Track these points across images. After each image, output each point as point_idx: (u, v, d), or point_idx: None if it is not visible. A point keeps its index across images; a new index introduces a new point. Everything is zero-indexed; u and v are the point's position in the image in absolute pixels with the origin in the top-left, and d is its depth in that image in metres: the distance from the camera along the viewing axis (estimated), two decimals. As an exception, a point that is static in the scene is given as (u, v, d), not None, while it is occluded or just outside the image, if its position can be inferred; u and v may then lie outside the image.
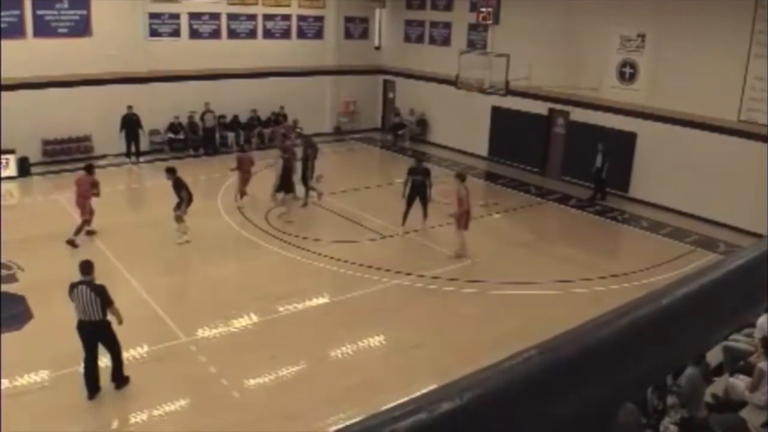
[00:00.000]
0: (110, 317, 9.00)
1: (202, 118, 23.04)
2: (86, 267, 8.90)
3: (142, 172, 21.05)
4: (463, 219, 14.22)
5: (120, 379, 9.26)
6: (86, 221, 14.65)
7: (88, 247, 14.13)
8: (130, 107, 20.72)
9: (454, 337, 11.15)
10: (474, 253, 14.52)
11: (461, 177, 14.43)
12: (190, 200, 14.71)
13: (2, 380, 9.12)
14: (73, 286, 8.81)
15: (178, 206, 14.62)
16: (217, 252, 14.69)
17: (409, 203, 15.78)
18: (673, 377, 6.43)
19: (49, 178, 19.60)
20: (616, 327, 1.62)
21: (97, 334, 8.88)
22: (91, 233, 14.86)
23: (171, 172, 14.59)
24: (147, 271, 13.29)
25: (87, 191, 14.52)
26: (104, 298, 8.76)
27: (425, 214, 15.95)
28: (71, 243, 14.26)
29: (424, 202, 15.81)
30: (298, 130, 20.56)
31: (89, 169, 14.85)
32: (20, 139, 19.36)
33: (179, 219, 14.68)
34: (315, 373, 10.05)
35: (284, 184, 16.15)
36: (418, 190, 15.70)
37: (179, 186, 14.55)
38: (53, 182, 19.23)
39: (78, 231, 14.47)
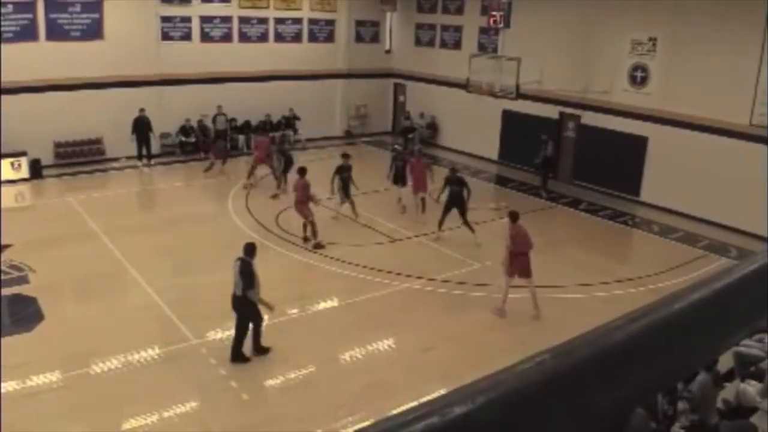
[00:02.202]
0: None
1: (213, 121, 23.12)
2: (247, 248, 10.07)
3: (154, 174, 21.13)
4: (507, 263, 12.10)
5: (234, 355, 10.00)
6: (310, 223, 14.89)
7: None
8: (141, 110, 20.80)
9: (466, 340, 11.14)
10: (485, 257, 14.49)
11: (512, 216, 12.35)
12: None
13: (14, 381, 9.19)
14: (235, 261, 9.94)
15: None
16: (227, 254, 14.65)
17: (446, 211, 15.45)
18: (684, 382, 6.40)
19: (61, 181, 19.73)
20: (629, 331, 1.62)
21: (236, 307, 9.97)
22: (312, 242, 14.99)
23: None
24: (157, 273, 13.35)
25: (303, 195, 14.78)
26: (246, 280, 9.68)
27: (466, 225, 15.41)
28: (318, 246, 14.75)
29: (462, 212, 15.37)
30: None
31: (302, 172, 14.98)
32: (32, 142, 19.49)
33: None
34: (325, 376, 10.07)
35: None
36: (456, 200, 15.35)
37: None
38: (65, 184, 19.37)
39: (314, 233, 14.86)
